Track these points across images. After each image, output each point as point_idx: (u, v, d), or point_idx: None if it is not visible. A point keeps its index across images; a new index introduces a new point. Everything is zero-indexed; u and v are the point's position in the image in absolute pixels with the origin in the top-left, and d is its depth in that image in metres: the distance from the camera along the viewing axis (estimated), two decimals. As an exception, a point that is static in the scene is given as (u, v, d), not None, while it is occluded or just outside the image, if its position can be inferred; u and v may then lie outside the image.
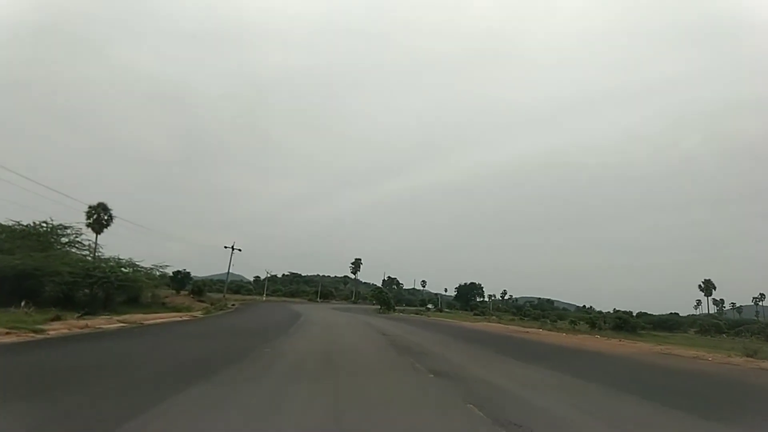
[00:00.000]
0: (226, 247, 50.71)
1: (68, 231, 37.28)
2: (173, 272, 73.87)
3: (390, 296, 72.79)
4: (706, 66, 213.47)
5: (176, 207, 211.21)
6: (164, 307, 42.05)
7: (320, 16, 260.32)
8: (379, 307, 75.96)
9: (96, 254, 41.76)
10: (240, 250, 52.06)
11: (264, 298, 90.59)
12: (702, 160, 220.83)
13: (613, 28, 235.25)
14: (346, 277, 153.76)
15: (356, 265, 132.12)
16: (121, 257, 39.86)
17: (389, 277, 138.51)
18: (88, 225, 54.47)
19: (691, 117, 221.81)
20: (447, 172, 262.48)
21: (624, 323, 64.97)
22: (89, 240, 39.72)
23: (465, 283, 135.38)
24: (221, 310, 43.57)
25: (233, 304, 54.48)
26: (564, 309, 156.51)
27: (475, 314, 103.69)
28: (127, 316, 25.47)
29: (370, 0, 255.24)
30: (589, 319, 72.79)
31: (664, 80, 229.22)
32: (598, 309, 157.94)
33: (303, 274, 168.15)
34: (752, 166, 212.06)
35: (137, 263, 40.87)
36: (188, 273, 72.55)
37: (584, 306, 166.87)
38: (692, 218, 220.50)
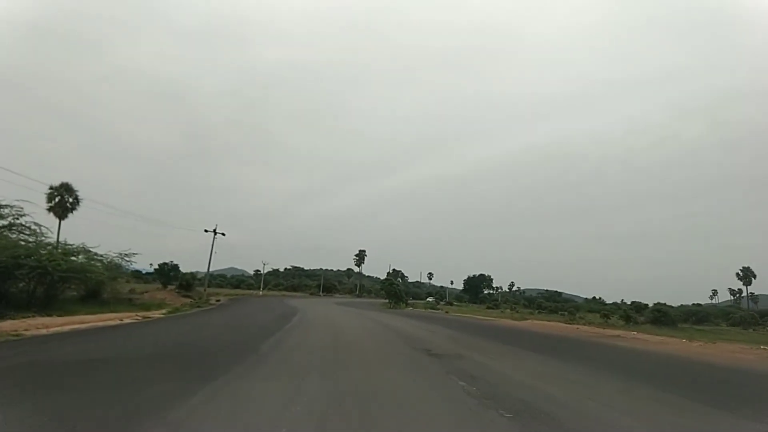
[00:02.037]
0: (207, 231, 41.64)
1: (4, 211, 28.18)
2: (160, 265, 65.10)
3: (401, 288, 63.25)
4: (708, 55, 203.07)
5: (177, 203, 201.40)
6: (130, 304, 33.45)
7: (320, 12, 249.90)
8: (388, 301, 66.65)
9: (58, 243, 33.31)
10: (223, 234, 42.96)
11: (261, 293, 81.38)
12: (705, 149, 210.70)
13: (613, 20, 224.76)
14: (349, 270, 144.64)
15: (360, 256, 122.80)
16: (69, 243, 31.50)
17: (394, 269, 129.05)
18: (50, 209, 45.34)
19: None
20: (449, 166, 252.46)
21: (663, 316, 56.30)
22: (44, 226, 30.63)
23: (474, 275, 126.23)
24: (198, 307, 34.42)
25: (218, 300, 45.24)
26: (573, 301, 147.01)
27: (488, 307, 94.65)
28: (30, 321, 16.89)
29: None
30: (623, 313, 64.63)
31: (665, 71, 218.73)
32: (607, 300, 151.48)
33: (306, 268, 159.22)
34: (754, 155, 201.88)
35: (91, 249, 32.08)
36: (176, 266, 63.30)
37: (594, 297, 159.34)
38: (698, 208, 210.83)
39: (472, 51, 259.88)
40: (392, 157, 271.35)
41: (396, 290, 59.82)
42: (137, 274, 65.83)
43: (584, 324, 38.52)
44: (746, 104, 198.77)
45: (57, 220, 45.46)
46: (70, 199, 46.01)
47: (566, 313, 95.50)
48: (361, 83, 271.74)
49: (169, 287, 59.44)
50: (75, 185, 45.12)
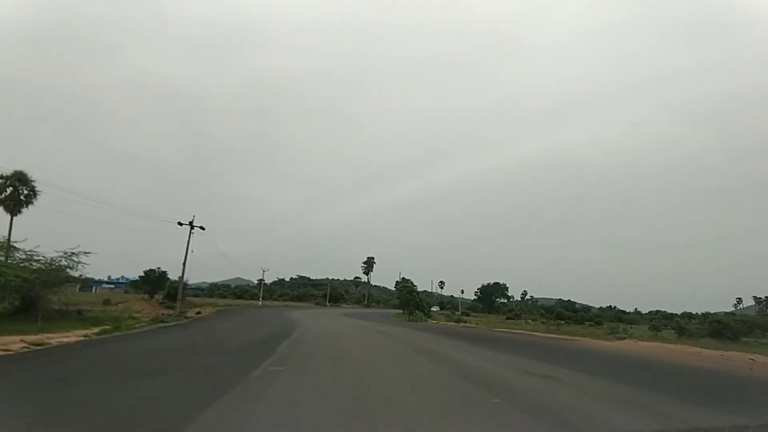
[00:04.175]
0: (181, 224, 31.98)
1: None
2: (145, 272, 55.39)
3: (422, 297, 53.04)
4: (715, 60, 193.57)
5: (183, 211, 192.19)
6: (78, 318, 24.49)
7: (327, 20, 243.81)
8: (403, 311, 56.42)
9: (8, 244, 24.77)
10: (203, 228, 33.25)
11: (260, 303, 71.38)
12: (711, 156, 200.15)
13: (618, 25, 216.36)
14: (356, 278, 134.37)
15: (369, 264, 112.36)
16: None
17: (403, 278, 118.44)
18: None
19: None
20: (457, 173, 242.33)
21: (724, 329, 45.87)
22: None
23: (488, 284, 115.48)
24: (162, 322, 24.82)
25: (198, 313, 35.49)
26: (588, 310, 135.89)
27: (507, 318, 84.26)
28: None
29: (375, 3, 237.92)
30: (675, 325, 54.62)
31: (672, 75, 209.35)
32: (622, 309, 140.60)
33: (312, 278, 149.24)
34: (762, 161, 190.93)
35: (17, 246, 23.20)
36: (164, 273, 53.69)
37: (610, 306, 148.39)
38: (707, 216, 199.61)
39: (478, 57, 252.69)
40: (400, 164, 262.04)
41: (415, 299, 49.57)
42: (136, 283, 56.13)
43: (655, 341, 28.55)
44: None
45: (9, 216, 36.17)
46: (25, 191, 36.61)
47: (590, 323, 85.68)
48: (367, 91, 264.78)
49: (157, 296, 50.16)
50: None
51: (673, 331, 48.09)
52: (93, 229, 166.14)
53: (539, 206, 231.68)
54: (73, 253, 26.16)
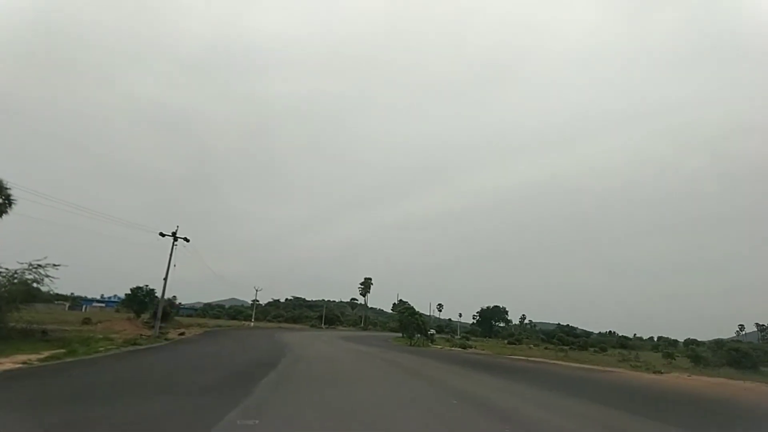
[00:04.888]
0: (163, 235, 28.46)
1: None
2: (132, 290, 51.34)
3: (423, 319, 49.26)
4: (712, 88, 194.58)
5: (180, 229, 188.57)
6: (42, 339, 21.16)
7: (325, 44, 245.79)
8: (402, 334, 52.62)
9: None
10: (187, 240, 29.70)
11: (252, 324, 67.31)
12: (707, 181, 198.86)
13: (615, 53, 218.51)
14: (353, 300, 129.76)
15: (366, 285, 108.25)
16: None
17: (401, 300, 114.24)
18: (-30, 210, 32.66)
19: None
20: (453, 196, 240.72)
21: (744, 357, 42.46)
22: None
23: (487, 307, 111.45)
24: (135, 345, 21.35)
25: (181, 334, 31.91)
26: (587, 336, 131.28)
27: (508, 342, 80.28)
28: None
29: (374, 27, 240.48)
30: (690, 352, 50.93)
31: (669, 103, 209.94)
32: (620, 334, 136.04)
33: (307, 299, 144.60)
34: (756, 188, 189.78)
35: None
36: (152, 291, 49.92)
37: (610, 332, 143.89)
38: (706, 241, 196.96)
39: (476, 83, 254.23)
40: (396, 187, 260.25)
41: (417, 321, 45.85)
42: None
43: (675, 371, 25.14)
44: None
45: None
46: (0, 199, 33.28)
47: (593, 349, 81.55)
48: (365, 113, 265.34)
49: (144, 316, 46.44)
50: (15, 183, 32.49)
51: (687, 359, 44.66)
52: (85, 245, 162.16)
53: (536, 230, 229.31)
54: (39, 265, 22.81)
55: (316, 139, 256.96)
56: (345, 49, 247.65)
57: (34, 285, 22.70)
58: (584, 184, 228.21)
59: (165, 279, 30.37)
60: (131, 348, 20.36)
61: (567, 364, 27.19)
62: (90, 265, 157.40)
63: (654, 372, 22.35)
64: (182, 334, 32.06)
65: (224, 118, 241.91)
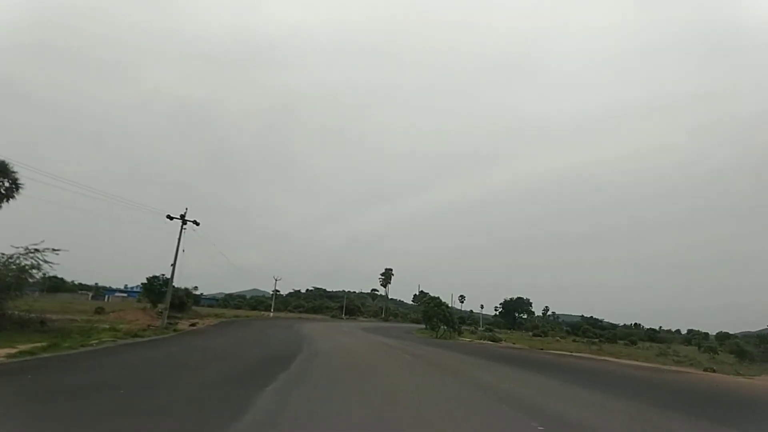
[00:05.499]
0: (171, 218, 25.83)
1: None
2: (148, 279, 49.49)
3: (450, 310, 46.12)
4: (736, 79, 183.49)
5: (203, 222, 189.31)
6: (40, 330, 18.90)
7: (342, 39, 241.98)
8: (426, 326, 49.61)
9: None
10: (197, 223, 27.05)
11: (271, 314, 65.15)
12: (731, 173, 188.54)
13: (638, 44, 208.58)
14: (373, 291, 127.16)
15: (386, 276, 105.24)
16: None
17: (422, 291, 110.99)
18: (-23, 194, 30.80)
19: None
20: (475, 186, 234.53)
21: (801, 353, 38.44)
22: None
23: (511, 299, 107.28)
24: (137, 337, 18.82)
25: (192, 325, 29.51)
26: (613, 328, 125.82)
27: (534, 335, 76.45)
28: None
29: (390, 22, 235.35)
30: (735, 347, 46.36)
31: (692, 94, 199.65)
32: (646, 326, 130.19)
33: (328, 290, 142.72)
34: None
35: None
36: (168, 280, 48.11)
37: (635, 324, 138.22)
38: (733, 233, 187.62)
39: (497, 73, 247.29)
40: (415, 178, 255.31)
41: (443, 312, 42.61)
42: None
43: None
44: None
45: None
46: (6, 183, 31.32)
47: (623, 342, 77.04)
48: (383, 105, 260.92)
49: (161, 305, 44.71)
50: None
51: (730, 354, 40.36)
52: (111, 236, 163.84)
53: (558, 221, 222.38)
54: (36, 250, 20.45)
55: (336, 129, 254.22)
56: (364, 40, 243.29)
57: (33, 271, 20.49)
58: (605, 175, 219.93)
59: (173, 265, 28.02)
60: (130, 341, 17.80)
61: (618, 360, 23.65)
62: (115, 255, 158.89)
63: (737, 374, 18.65)
64: (193, 325, 29.65)
65: (244, 110, 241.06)
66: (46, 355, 12.43)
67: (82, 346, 14.81)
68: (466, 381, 12.06)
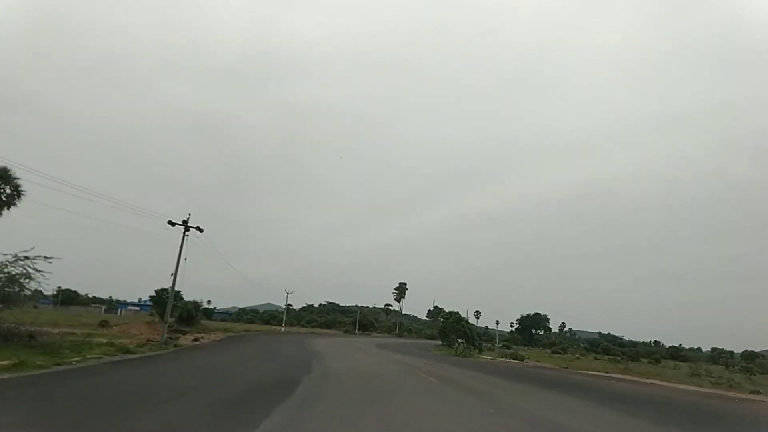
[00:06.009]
0: (173, 224, 23.83)
1: None
2: (156, 291, 47.94)
3: (470, 326, 43.23)
4: (755, 91, 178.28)
5: (215, 235, 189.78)
6: (28, 344, 16.85)
7: (357, 49, 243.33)
8: (443, 342, 46.81)
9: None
10: (200, 229, 24.95)
11: (283, 329, 62.81)
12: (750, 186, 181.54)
13: (657, 55, 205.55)
14: (387, 306, 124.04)
15: (401, 290, 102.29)
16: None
17: (436, 306, 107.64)
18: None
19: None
20: (489, 200, 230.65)
21: None
22: None
23: (528, 314, 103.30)
24: (128, 353, 16.72)
25: (195, 340, 27.35)
26: (633, 345, 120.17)
27: (553, 352, 72.75)
28: None
29: (405, 32, 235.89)
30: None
31: (709, 106, 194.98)
32: (666, 344, 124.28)
33: (341, 304, 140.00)
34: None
35: None
36: (177, 292, 46.40)
37: (655, 342, 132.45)
38: (752, 247, 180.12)
39: (510, 84, 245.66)
40: (430, 191, 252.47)
41: (464, 328, 39.77)
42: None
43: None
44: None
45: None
46: (7, 190, 29.95)
47: (647, 360, 72.61)
48: (399, 117, 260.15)
49: (170, 319, 42.91)
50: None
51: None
52: (126, 250, 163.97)
53: (573, 236, 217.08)
54: (26, 257, 18.61)
55: (350, 142, 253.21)
56: (377, 52, 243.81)
57: (23, 280, 18.68)
58: (621, 189, 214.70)
59: (174, 274, 26.07)
60: (118, 358, 15.69)
61: (671, 385, 20.72)
62: (130, 269, 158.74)
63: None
64: (196, 339, 27.51)
65: (259, 123, 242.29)
66: (6, 376, 10.36)
67: (57, 365, 12.71)
68: (502, 408, 9.60)
